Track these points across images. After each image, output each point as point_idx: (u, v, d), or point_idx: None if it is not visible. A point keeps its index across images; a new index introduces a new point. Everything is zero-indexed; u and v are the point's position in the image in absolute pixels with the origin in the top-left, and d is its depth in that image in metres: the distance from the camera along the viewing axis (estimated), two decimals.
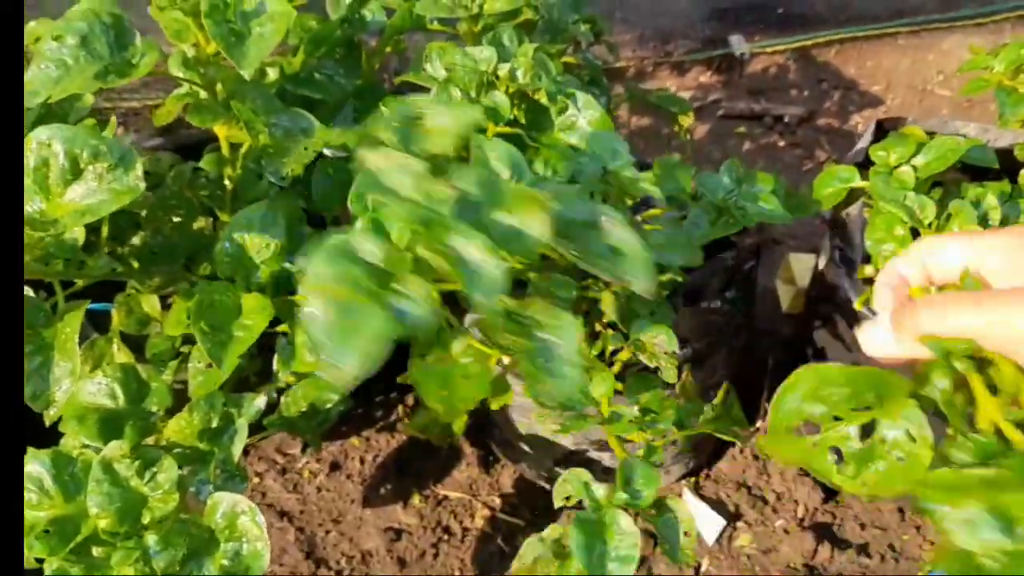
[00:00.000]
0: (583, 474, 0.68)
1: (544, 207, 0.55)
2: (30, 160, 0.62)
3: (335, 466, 1.11)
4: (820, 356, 1.01)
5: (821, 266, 0.99)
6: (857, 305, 0.85)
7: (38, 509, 0.60)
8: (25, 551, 0.58)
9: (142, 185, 0.61)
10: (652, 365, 0.78)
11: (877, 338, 0.51)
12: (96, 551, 0.59)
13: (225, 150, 0.83)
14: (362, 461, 1.11)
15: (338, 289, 0.54)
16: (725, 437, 0.75)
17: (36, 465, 0.60)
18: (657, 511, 0.68)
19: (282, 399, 0.82)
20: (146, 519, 0.59)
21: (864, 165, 0.91)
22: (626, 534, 0.62)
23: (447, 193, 0.54)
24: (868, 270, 0.85)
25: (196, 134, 0.97)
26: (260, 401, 0.67)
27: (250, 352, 0.87)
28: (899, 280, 0.50)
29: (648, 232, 0.75)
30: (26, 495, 0.60)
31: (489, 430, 1.10)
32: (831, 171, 0.92)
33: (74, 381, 0.66)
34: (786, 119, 1.59)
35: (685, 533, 0.67)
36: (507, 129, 0.79)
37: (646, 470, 0.67)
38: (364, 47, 0.97)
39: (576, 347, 0.59)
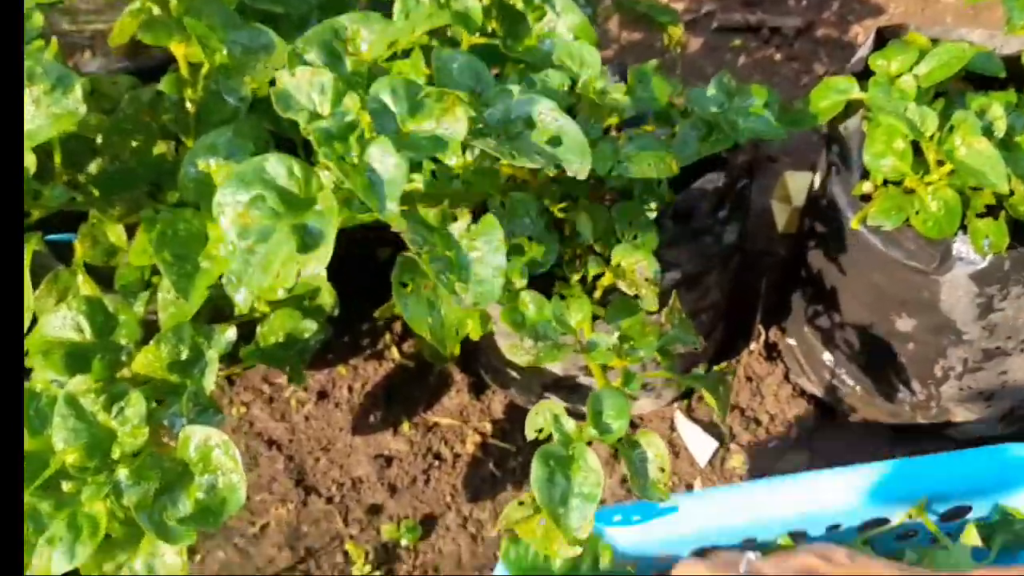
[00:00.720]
0: (555, 406, 0.65)
1: (463, 107, 0.54)
2: None
3: (323, 395, 1.09)
4: (815, 278, 0.98)
5: (817, 184, 0.96)
6: (854, 224, 0.82)
7: None
8: None
9: (82, 108, 0.58)
10: (632, 292, 0.75)
11: None
12: (66, 486, 0.58)
13: (184, 70, 0.78)
14: (350, 389, 1.10)
15: (250, 215, 0.52)
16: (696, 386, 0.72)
17: None
18: (629, 446, 0.65)
19: (258, 329, 0.80)
20: (116, 454, 0.58)
21: (863, 76, 0.87)
22: (591, 471, 0.60)
23: (358, 106, 0.53)
24: (866, 186, 0.81)
25: (164, 57, 0.92)
26: (231, 333, 0.65)
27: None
28: None
29: (619, 144, 0.71)
30: None
31: (477, 356, 1.08)
32: (828, 82, 0.87)
33: (28, 313, 0.64)
34: (783, 31, 1.53)
35: (660, 468, 0.65)
36: (482, 39, 0.75)
37: (617, 401, 0.64)
38: None
39: (502, 250, 0.59)
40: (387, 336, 1.13)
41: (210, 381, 0.65)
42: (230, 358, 0.76)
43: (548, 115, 0.59)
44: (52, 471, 0.58)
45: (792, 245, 1.13)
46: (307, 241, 0.50)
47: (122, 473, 0.57)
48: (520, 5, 0.72)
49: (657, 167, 0.69)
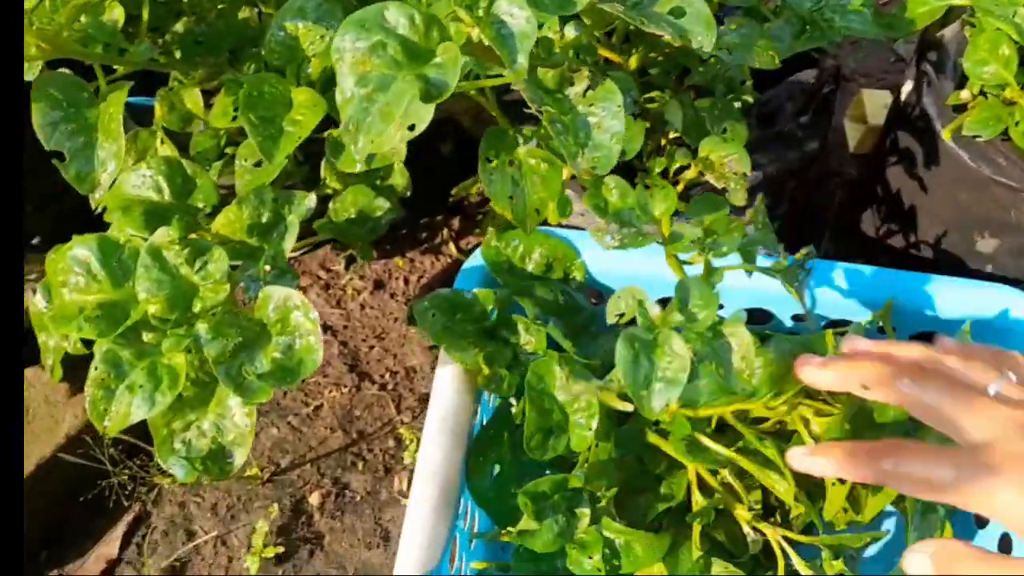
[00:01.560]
0: (638, 291, 0.65)
1: None
2: None
3: (379, 284, 1.09)
4: (891, 197, 0.95)
5: (904, 96, 0.92)
6: (946, 135, 0.79)
7: (86, 293, 0.58)
8: (73, 333, 0.57)
9: None
10: (720, 186, 0.73)
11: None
12: (146, 336, 0.58)
13: None
14: (406, 281, 1.09)
15: (371, 62, 0.51)
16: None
17: (83, 249, 0.58)
18: (713, 335, 0.64)
19: (330, 205, 0.79)
20: (196, 308, 0.57)
21: None
22: (676, 356, 0.58)
23: None
24: (963, 94, 0.79)
25: None
26: (311, 199, 0.64)
27: (295, 157, 0.83)
28: None
29: (722, 31, 0.69)
30: (73, 279, 0.58)
31: None
32: None
33: (119, 163, 0.63)
34: None
35: (743, 358, 0.64)
36: None
37: (704, 291, 0.63)
38: None
39: (620, 117, 0.58)
40: (444, 231, 1.13)
41: (289, 245, 0.64)
42: (298, 233, 0.76)
43: None
44: (133, 320, 0.58)
45: (866, 164, 1.10)
46: (430, 91, 0.49)
47: (202, 327, 0.57)
48: None
49: (760, 57, 0.67)
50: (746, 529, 0.66)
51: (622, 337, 0.59)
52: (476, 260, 0.73)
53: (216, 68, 0.74)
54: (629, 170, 0.76)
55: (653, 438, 0.67)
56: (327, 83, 0.69)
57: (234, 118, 0.71)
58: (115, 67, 0.71)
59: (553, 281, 0.72)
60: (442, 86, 0.51)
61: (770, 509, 0.69)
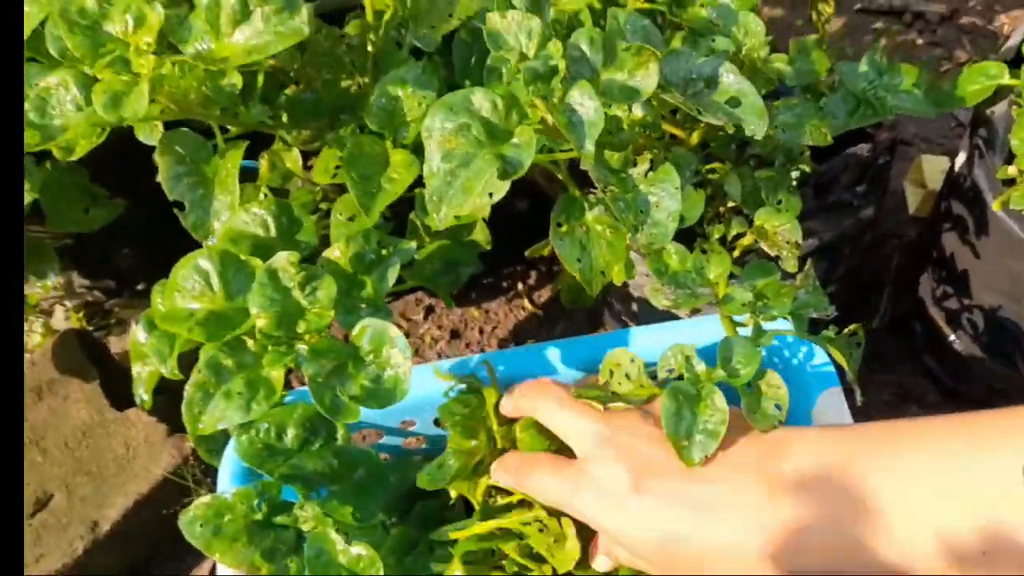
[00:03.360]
0: (687, 348, 0.70)
1: (656, 62, 0.59)
2: (202, 0, 0.66)
3: (455, 334, 1.16)
4: (946, 261, 0.99)
5: (958, 167, 0.97)
6: (995, 206, 0.83)
7: (199, 301, 0.65)
8: (183, 334, 0.64)
9: (306, 29, 0.64)
10: (773, 253, 0.78)
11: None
12: (251, 346, 0.64)
13: (369, 16, 0.85)
14: (481, 331, 1.16)
15: (456, 140, 0.58)
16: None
17: (205, 261, 0.65)
18: (750, 386, 0.69)
19: (416, 257, 0.86)
20: (301, 328, 0.63)
21: (1014, 63, 0.88)
22: (717, 410, 0.63)
23: (560, 52, 0.58)
24: (1011, 170, 0.83)
25: (332, 4, 1.00)
26: (412, 245, 0.71)
27: (383, 214, 0.91)
28: None
29: (776, 110, 0.75)
30: (190, 285, 0.65)
31: (603, 313, 1.13)
32: (979, 67, 0.88)
33: (233, 213, 0.71)
34: (927, 16, 1.52)
35: (776, 406, 0.68)
36: (647, 5, 0.79)
37: (747, 349, 0.68)
38: None
39: (677, 197, 0.64)
40: (519, 285, 1.19)
41: (389, 283, 0.70)
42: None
43: (729, 77, 0.63)
44: (241, 332, 0.64)
45: (924, 228, 1.14)
46: (507, 169, 0.55)
47: (302, 347, 0.63)
48: None
49: (813, 134, 0.72)
50: None
51: (667, 390, 0.64)
52: (232, 456, 0.69)
53: (318, 131, 0.83)
54: (690, 234, 0.82)
55: None
56: (420, 148, 0.77)
57: (334, 175, 0.79)
58: (227, 128, 0.79)
59: (317, 449, 0.68)
60: (517, 165, 0.58)
61: None
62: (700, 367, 0.68)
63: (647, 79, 0.58)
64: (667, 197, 0.64)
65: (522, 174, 0.56)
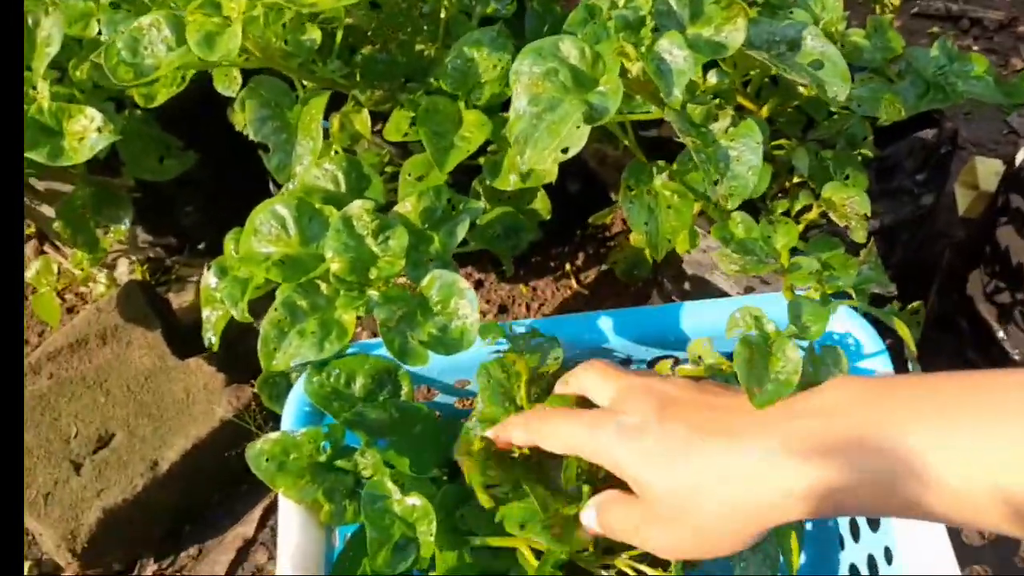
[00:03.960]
0: (755, 309, 0.70)
1: (745, 17, 0.59)
2: None
3: (503, 309, 1.17)
4: (999, 258, 0.99)
5: (1018, 163, 0.97)
6: None
7: (276, 245, 0.67)
8: (260, 275, 0.66)
9: None
10: (842, 224, 0.79)
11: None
12: (324, 289, 0.65)
13: None
14: (528, 308, 1.17)
15: (543, 85, 0.59)
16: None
17: (282, 207, 0.67)
18: (824, 353, 0.69)
19: (478, 222, 0.88)
20: (373, 275, 0.65)
21: None
22: (790, 360, 0.62)
23: (649, 4, 0.59)
24: None
25: None
26: (480, 204, 0.72)
27: (447, 181, 0.92)
28: None
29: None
30: (267, 230, 0.66)
31: (651, 291, 1.14)
32: None
33: (314, 158, 0.72)
34: (984, 22, 1.52)
35: (841, 371, 0.68)
36: None
37: (815, 307, 0.68)
38: None
39: (758, 152, 0.64)
40: (567, 264, 1.20)
41: (459, 238, 0.71)
42: None
43: (813, 40, 0.64)
44: (316, 275, 0.66)
45: (973, 228, 1.14)
46: (592, 114, 0.56)
47: (374, 293, 0.65)
48: None
49: (887, 109, 0.73)
50: None
51: (741, 340, 0.64)
52: (300, 395, 0.70)
53: (390, 91, 0.84)
54: (754, 211, 0.82)
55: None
56: (491, 109, 0.78)
57: (406, 134, 0.80)
58: (304, 84, 0.81)
59: (381, 401, 0.70)
60: (603, 111, 0.59)
61: None
62: (770, 326, 0.68)
63: (735, 34, 0.59)
64: (748, 151, 0.64)
65: (606, 120, 0.57)
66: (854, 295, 0.78)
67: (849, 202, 0.76)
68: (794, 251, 0.81)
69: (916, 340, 0.76)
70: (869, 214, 0.77)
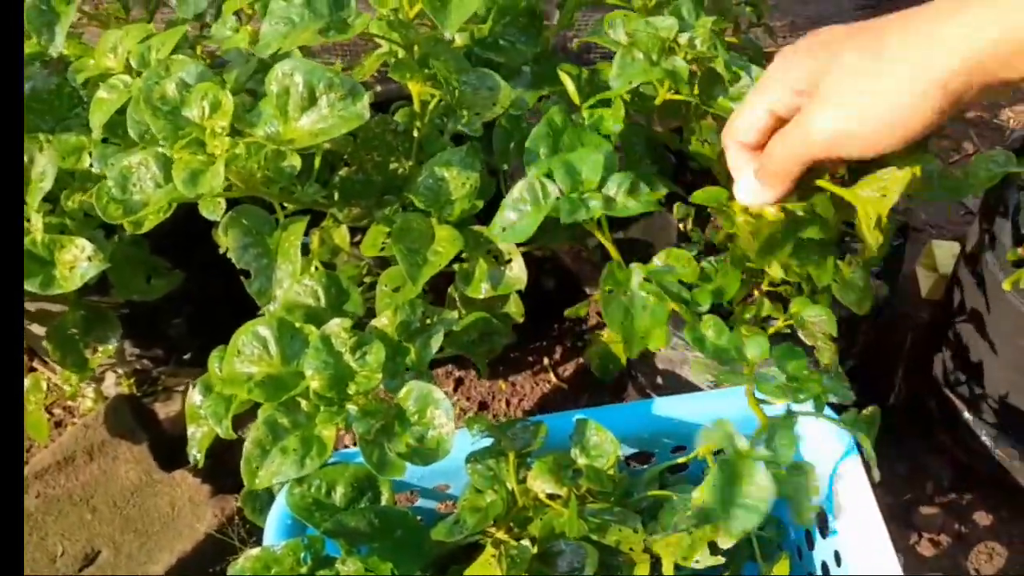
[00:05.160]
0: (728, 425, 0.73)
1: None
2: (272, 88, 0.72)
3: (483, 405, 1.20)
4: (959, 340, 1.03)
5: (968, 249, 1.02)
6: (1006, 285, 0.88)
7: (258, 365, 0.70)
8: (242, 394, 0.68)
9: (367, 113, 0.71)
10: (809, 343, 0.82)
11: (750, 187, 0.68)
12: (304, 407, 0.68)
13: (416, 106, 0.92)
14: (507, 403, 1.20)
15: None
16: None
17: (264, 328, 0.70)
18: (792, 473, 0.72)
19: (454, 328, 0.91)
20: (351, 390, 0.68)
21: (1020, 152, 0.94)
22: (760, 487, 0.65)
23: None
24: (1021, 251, 0.88)
25: (381, 93, 1.08)
26: (454, 315, 0.76)
27: (423, 289, 0.96)
28: (743, 136, 0.67)
29: None
30: (249, 351, 0.70)
31: (626, 383, 1.17)
32: (987, 156, 0.94)
33: (293, 281, 0.76)
34: None
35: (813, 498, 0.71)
36: (676, 96, 0.85)
37: (788, 434, 0.72)
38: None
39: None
40: (545, 359, 1.24)
41: (433, 349, 0.75)
42: None
43: None
44: (296, 393, 0.69)
45: (936, 309, 1.18)
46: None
47: (352, 408, 0.68)
48: (720, 69, 0.82)
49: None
50: None
51: (718, 462, 0.67)
52: (282, 507, 0.72)
53: (367, 209, 0.89)
54: (721, 314, 0.86)
55: None
56: (462, 224, 0.83)
57: (382, 249, 0.84)
58: (284, 205, 0.85)
59: (361, 508, 0.71)
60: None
61: None
62: (742, 443, 0.71)
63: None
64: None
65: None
66: (814, 407, 0.82)
67: (818, 321, 0.80)
68: None
69: (873, 441, 0.79)
70: (836, 335, 0.80)
